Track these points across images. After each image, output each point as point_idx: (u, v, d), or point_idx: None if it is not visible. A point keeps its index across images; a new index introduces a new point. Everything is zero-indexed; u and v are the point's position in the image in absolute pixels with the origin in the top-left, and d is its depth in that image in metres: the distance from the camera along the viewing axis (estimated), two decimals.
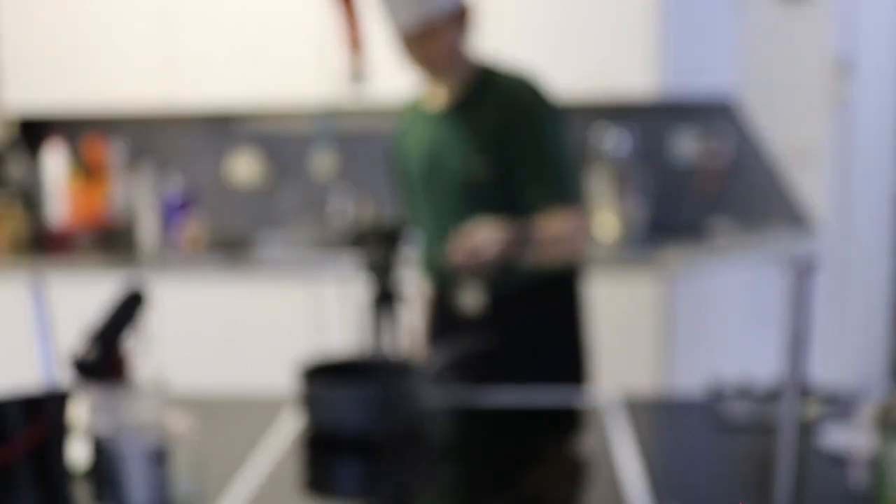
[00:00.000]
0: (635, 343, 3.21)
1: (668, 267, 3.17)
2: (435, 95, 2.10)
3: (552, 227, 1.95)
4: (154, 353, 3.05)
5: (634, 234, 3.45)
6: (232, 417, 1.79)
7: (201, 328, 3.33)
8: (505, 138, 1.98)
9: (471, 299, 2.01)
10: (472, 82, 2.03)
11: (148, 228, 3.75)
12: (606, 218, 3.44)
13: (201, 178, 3.90)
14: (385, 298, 1.88)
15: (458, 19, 1.95)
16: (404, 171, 2.18)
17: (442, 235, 2.03)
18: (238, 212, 3.89)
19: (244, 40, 3.45)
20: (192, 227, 3.55)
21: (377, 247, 1.85)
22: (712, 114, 3.72)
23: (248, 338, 3.32)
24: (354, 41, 2.04)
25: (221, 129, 3.87)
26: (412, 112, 2.18)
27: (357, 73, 2.11)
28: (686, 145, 3.74)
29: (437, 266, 2.03)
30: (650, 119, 3.73)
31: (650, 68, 3.31)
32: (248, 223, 3.90)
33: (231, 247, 3.65)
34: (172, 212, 3.49)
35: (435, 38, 1.92)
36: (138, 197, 3.78)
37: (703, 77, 3.55)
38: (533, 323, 2.04)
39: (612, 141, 3.46)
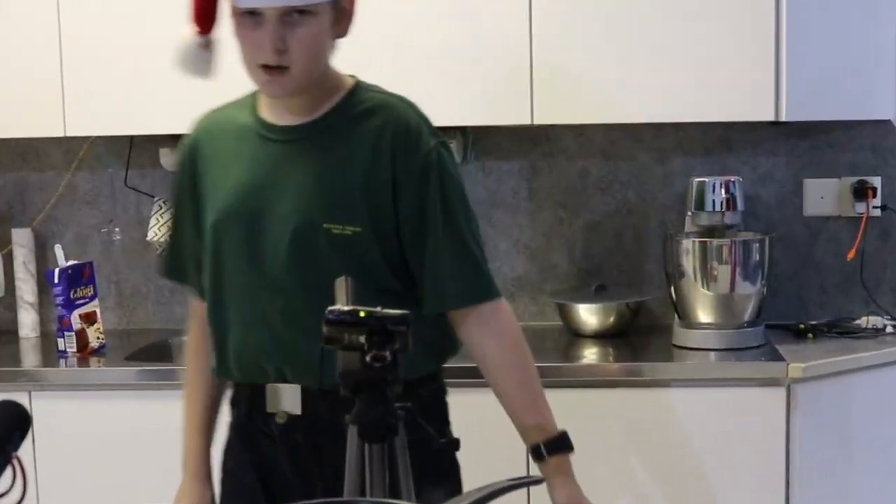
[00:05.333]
0: (744, 471, 2.76)
1: (793, 373, 2.71)
2: (276, 109, 1.86)
3: (523, 374, 1.87)
4: (38, 491, 2.82)
5: (745, 323, 2.91)
6: None
7: (106, 457, 2.77)
8: (392, 187, 1.80)
9: (288, 401, 1.90)
10: (337, 99, 1.85)
11: (28, 318, 3.19)
12: (704, 300, 2.92)
13: (103, 240, 3.25)
14: (379, 429, 1.53)
15: (335, 8, 1.82)
16: (205, 205, 1.89)
17: (265, 308, 1.79)
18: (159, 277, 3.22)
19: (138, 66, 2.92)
20: (94, 311, 2.99)
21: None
22: (861, 148, 3.17)
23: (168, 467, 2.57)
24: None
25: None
26: (230, 124, 1.93)
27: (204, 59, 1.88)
28: (821, 194, 3.15)
29: (253, 353, 1.81)
30: (770, 157, 3.20)
31: (772, 88, 2.84)
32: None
33: (151, 340, 3.10)
34: (62, 291, 2.92)
35: (306, 21, 1.76)
36: (13, 273, 3.21)
37: (847, 99, 3.04)
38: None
39: (716, 189, 2.89)
